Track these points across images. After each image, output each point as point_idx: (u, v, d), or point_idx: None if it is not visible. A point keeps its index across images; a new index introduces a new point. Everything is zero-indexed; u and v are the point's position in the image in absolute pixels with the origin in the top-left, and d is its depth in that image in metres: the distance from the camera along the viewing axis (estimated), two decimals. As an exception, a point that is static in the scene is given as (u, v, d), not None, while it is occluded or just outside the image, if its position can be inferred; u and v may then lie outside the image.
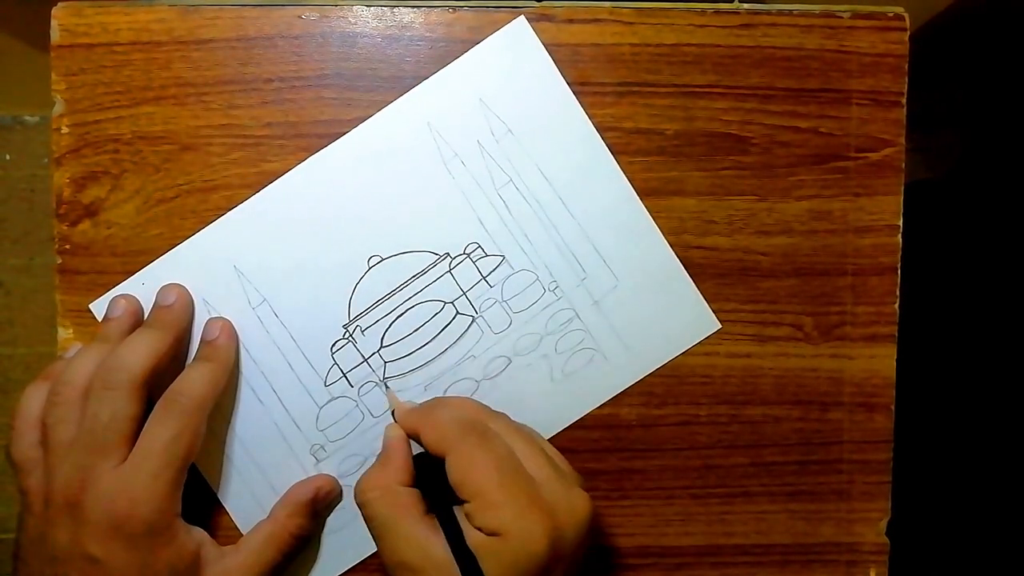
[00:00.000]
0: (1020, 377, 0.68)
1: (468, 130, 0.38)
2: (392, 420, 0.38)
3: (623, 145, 0.39)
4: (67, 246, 0.38)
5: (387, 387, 0.39)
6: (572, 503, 0.32)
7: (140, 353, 0.34)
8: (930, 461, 0.69)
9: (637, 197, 0.39)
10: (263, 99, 0.38)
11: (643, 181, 0.39)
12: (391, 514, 0.33)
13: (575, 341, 0.39)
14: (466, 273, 0.39)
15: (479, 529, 0.31)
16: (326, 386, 0.39)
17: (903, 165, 0.40)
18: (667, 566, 0.40)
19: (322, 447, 0.39)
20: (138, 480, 0.32)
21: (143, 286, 0.38)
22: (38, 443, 0.34)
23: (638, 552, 0.41)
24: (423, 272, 0.39)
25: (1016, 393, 0.68)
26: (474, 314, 0.39)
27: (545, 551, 0.30)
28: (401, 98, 0.38)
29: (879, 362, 0.40)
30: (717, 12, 0.39)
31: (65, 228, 0.38)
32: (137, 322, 0.37)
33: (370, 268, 0.38)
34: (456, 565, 0.31)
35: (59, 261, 0.39)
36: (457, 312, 0.39)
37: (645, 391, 0.40)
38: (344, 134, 0.38)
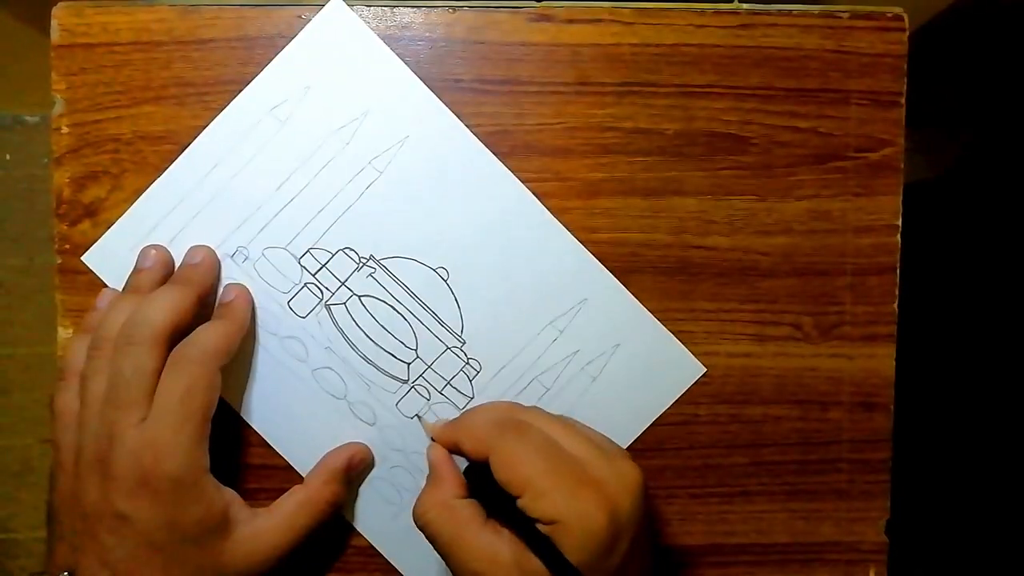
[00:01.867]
0: (1020, 377, 0.68)
1: (595, 342, 0.39)
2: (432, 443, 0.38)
3: (623, 145, 0.39)
4: (67, 246, 0.38)
5: (420, 418, 0.39)
6: (620, 473, 0.32)
7: (163, 308, 0.34)
8: (929, 460, 0.69)
9: (526, 192, 0.39)
10: (263, 99, 0.38)
11: (643, 181, 0.39)
12: (453, 529, 0.33)
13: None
14: (449, 364, 0.39)
15: (537, 522, 0.31)
16: (309, 249, 0.38)
17: (902, 165, 0.40)
18: (667, 566, 0.41)
19: (245, 256, 0.38)
20: (160, 435, 0.32)
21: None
22: (78, 395, 0.34)
23: (638, 551, 0.40)
24: (440, 321, 0.39)
25: (1016, 393, 0.68)
26: (407, 379, 0.39)
27: (605, 528, 0.30)
28: (600, 266, 0.39)
29: (878, 362, 0.40)
30: (717, 12, 0.39)
31: (65, 228, 0.38)
32: (168, 272, 0.38)
33: (432, 268, 0.39)
34: (531, 556, 0.31)
35: (59, 261, 0.39)
36: (411, 362, 0.39)
37: (645, 391, 0.40)
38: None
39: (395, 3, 0.39)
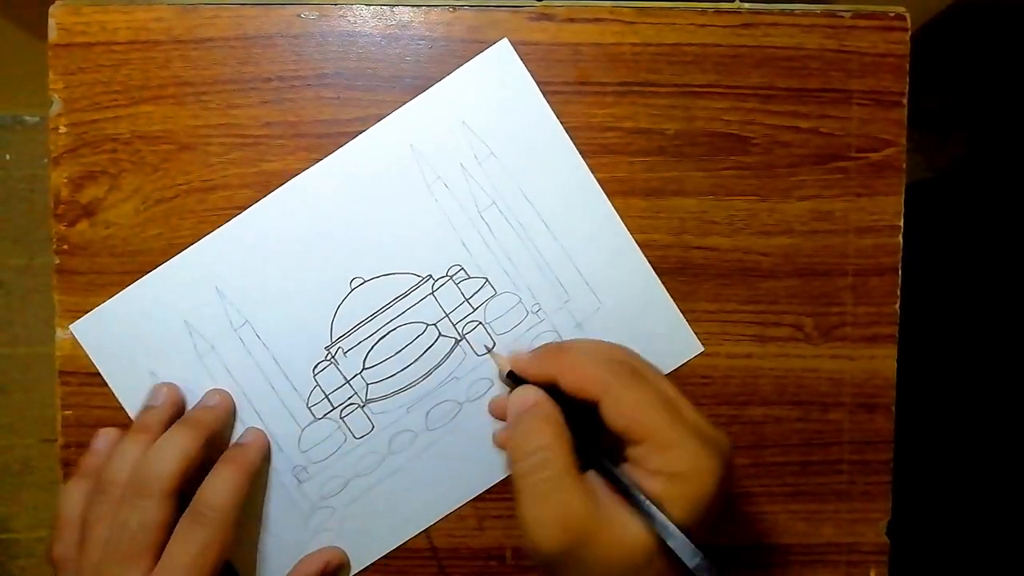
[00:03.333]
0: (1020, 377, 0.68)
1: (451, 153, 0.38)
2: (508, 385, 0.36)
3: (624, 145, 0.39)
4: (65, 246, 0.38)
5: (489, 349, 0.39)
6: (723, 439, 0.31)
7: (173, 457, 0.34)
8: (930, 461, 0.69)
9: (619, 220, 0.39)
10: (262, 98, 0.38)
11: (644, 181, 0.39)
12: (566, 464, 0.30)
13: None
14: (449, 295, 0.39)
15: (656, 472, 0.29)
16: (308, 407, 0.39)
17: (904, 165, 0.40)
18: (667, 567, 0.40)
19: (304, 468, 0.39)
20: None
21: (131, 305, 0.38)
22: (77, 543, 0.34)
23: (638, 553, 0.40)
24: (405, 294, 0.39)
25: (1016, 393, 0.68)
26: (456, 336, 0.39)
27: (720, 485, 0.29)
28: (383, 120, 0.38)
29: (879, 363, 0.40)
30: (718, 12, 0.39)
31: (63, 228, 0.38)
32: (178, 412, 0.38)
33: (352, 290, 0.38)
34: (640, 521, 0.28)
35: (57, 261, 0.38)
36: (440, 334, 0.39)
37: (645, 392, 0.40)
38: (343, 134, 0.38)
39: (395, 2, 0.38)
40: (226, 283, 0.38)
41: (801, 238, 0.40)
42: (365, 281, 0.39)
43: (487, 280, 0.39)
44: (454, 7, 0.38)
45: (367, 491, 0.39)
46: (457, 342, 0.39)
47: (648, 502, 0.29)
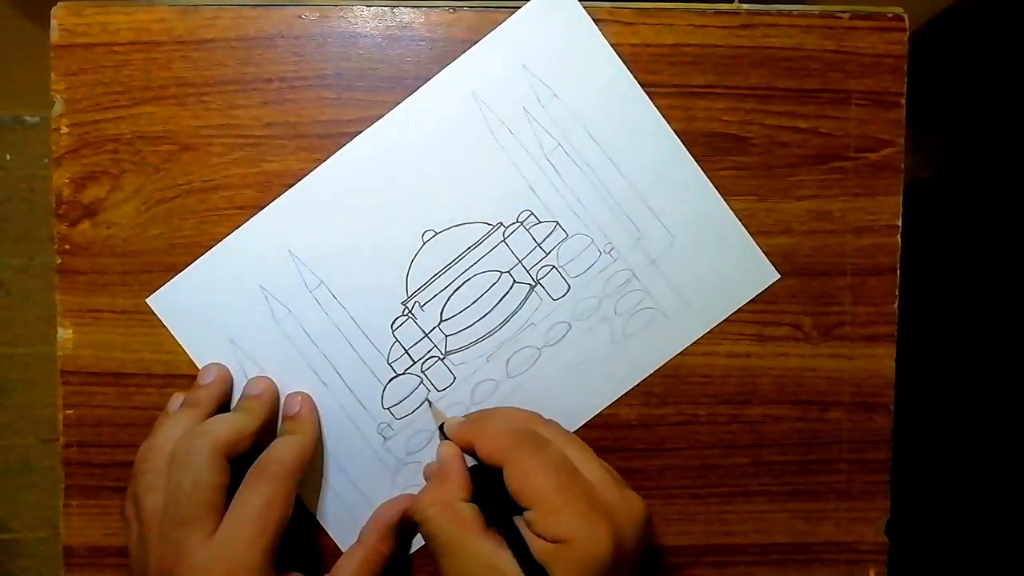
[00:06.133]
0: (1020, 377, 0.68)
1: (513, 97, 0.38)
2: (440, 437, 0.38)
3: (623, 145, 0.39)
4: (67, 246, 0.38)
5: (430, 403, 0.39)
6: (629, 503, 0.32)
7: (224, 425, 0.34)
8: (929, 460, 0.69)
9: (687, 152, 0.39)
10: (263, 99, 0.38)
11: (643, 181, 0.39)
12: (454, 530, 0.33)
13: (634, 302, 0.39)
14: (521, 241, 0.39)
15: (541, 536, 0.31)
16: (389, 363, 0.39)
17: (902, 165, 0.40)
18: (667, 566, 0.40)
19: (389, 425, 0.39)
20: (234, 550, 0.32)
21: (197, 279, 0.38)
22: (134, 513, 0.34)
23: (638, 552, 0.40)
24: (477, 243, 0.39)
25: (1016, 393, 0.68)
26: (531, 282, 0.39)
27: (611, 553, 0.30)
28: (443, 70, 0.38)
29: (878, 362, 0.40)
30: (717, 12, 0.39)
31: (65, 228, 0.38)
32: (227, 390, 0.38)
33: (424, 243, 0.38)
34: None
35: (59, 261, 0.39)
36: (514, 281, 0.39)
37: (645, 391, 0.40)
38: (344, 134, 0.38)
39: (395, 3, 0.38)
40: (299, 245, 0.38)
41: (800, 238, 0.40)
42: (437, 233, 0.38)
43: (558, 223, 0.39)
44: (454, 8, 0.38)
45: None
46: (532, 288, 0.39)
47: (532, 559, 0.31)
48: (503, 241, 0.39)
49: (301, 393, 0.38)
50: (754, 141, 0.39)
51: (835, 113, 0.39)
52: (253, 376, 0.38)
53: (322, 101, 0.38)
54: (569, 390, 0.39)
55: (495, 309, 0.39)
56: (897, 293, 0.40)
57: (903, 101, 0.40)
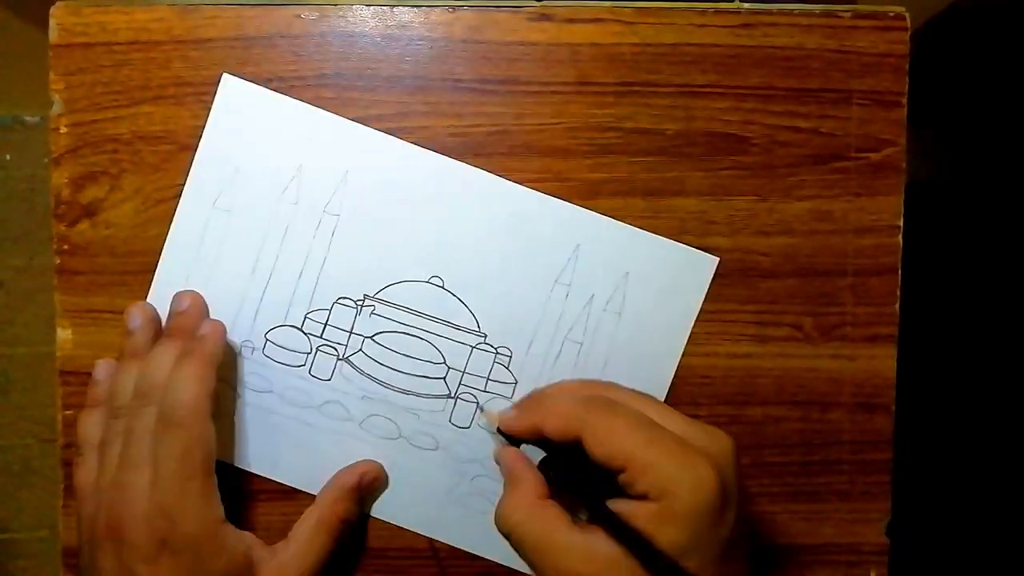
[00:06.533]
0: (1020, 377, 0.68)
1: (595, 281, 0.39)
2: (497, 444, 0.37)
3: (624, 145, 0.39)
4: (66, 246, 0.38)
5: (482, 409, 0.39)
6: (719, 440, 0.31)
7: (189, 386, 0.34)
8: (930, 461, 0.69)
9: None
10: (262, 99, 0.38)
11: (644, 181, 0.39)
12: (543, 531, 0.31)
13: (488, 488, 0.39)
14: (481, 362, 0.39)
15: (644, 496, 0.30)
16: (304, 316, 0.39)
17: (904, 165, 0.40)
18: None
19: (253, 350, 0.39)
20: (168, 498, 0.32)
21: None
22: (95, 467, 0.34)
23: (638, 553, 0.40)
24: (456, 327, 0.39)
25: (1016, 393, 0.68)
26: (452, 393, 0.39)
27: (717, 495, 0.29)
28: (574, 206, 0.39)
29: (879, 363, 0.40)
30: (718, 12, 0.39)
31: (64, 228, 0.38)
32: (158, 327, 0.38)
33: (426, 281, 0.39)
34: (629, 556, 0.29)
35: (58, 261, 0.38)
36: (443, 379, 0.39)
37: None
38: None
39: (394, 2, 0.38)
40: (356, 176, 0.38)
41: (801, 238, 0.40)
42: (439, 287, 0.39)
43: (515, 385, 0.39)
44: (454, 7, 0.38)
45: (274, 412, 0.39)
46: (448, 396, 0.39)
47: (634, 533, 0.29)
48: (471, 347, 0.39)
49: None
50: (755, 141, 0.39)
51: (836, 113, 0.39)
52: (177, 292, 0.38)
53: (321, 100, 0.38)
54: (396, 486, 0.39)
55: (409, 376, 0.39)
56: (898, 293, 0.40)
57: (904, 101, 0.39)
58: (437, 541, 0.40)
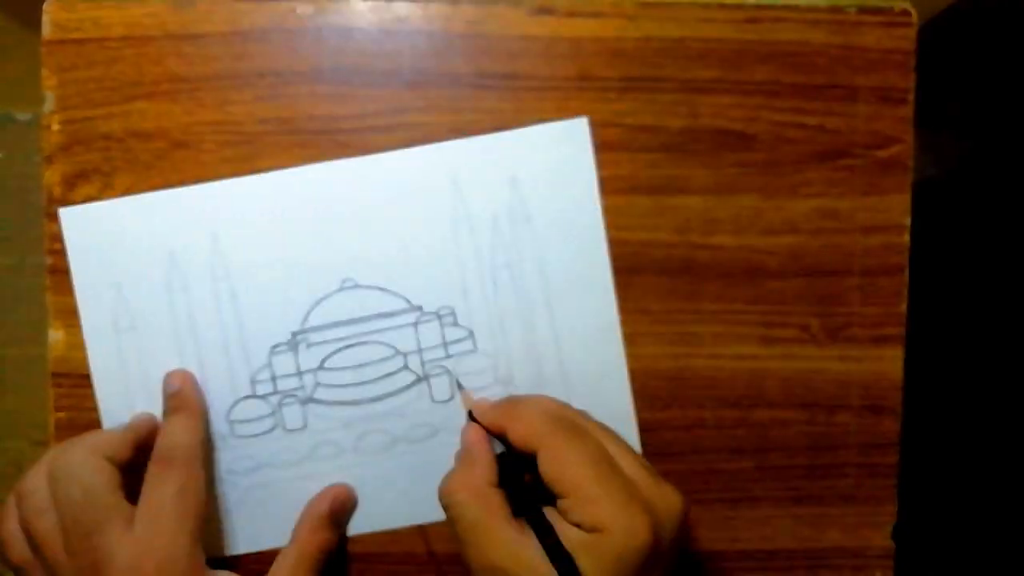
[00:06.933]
0: (1027, 379, 0.68)
1: (490, 202, 0.38)
2: (467, 421, 0.37)
3: (627, 142, 0.38)
4: (57, 246, 0.38)
5: (461, 387, 0.38)
6: (667, 498, 0.32)
7: (94, 432, 0.35)
8: (937, 465, 0.69)
9: (619, 325, 0.39)
10: (257, 94, 0.38)
11: (647, 178, 0.39)
12: (480, 516, 0.32)
13: None
14: (430, 333, 0.38)
15: (577, 525, 0.30)
16: (252, 381, 0.38)
17: (911, 163, 0.39)
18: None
19: (224, 438, 0.38)
20: (157, 542, 0.31)
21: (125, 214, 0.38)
22: (28, 547, 0.33)
23: (641, 558, 0.40)
24: (390, 314, 0.38)
25: None
26: (420, 375, 0.38)
27: (648, 546, 0.30)
28: (436, 145, 0.38)
29: (887, 364, 0.40)
30: (722, 6, 0.38)
31: (55, 227, 0.38)
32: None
33: (341, 288, 0.38)
34: (551, 567, 0.30)
35: (49, 261, 0.38)
36: (405, 366, 0.38)
37: (649, 393, 0.39)
38: (339, 130, 0.38)
39: (393, -3, 0.38)
40: (225, 233, 0.38)
41: (807, 237, 0.39)
42: (356, 286, 0.38)
43: (471, 334, 0.38)
44: (453, 0, 0.38)
45: (274, 482, 0.38)
46: (418, 380, 0.38)
47: (562, 549, 0.30)
48: (414, 325, 0.38)
49: (180, 371, 0.38)
50: (760, 138, 0.39)
51: (842, 109, 0.39)
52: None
53: (317, 96, 0.38)
54: (401, 492, 0.39)
55: (374, 383, 0.38)
56: (906, 293, 0.39)
57: (911, 97, 0.39)
58: (434, 545, 0.39)
